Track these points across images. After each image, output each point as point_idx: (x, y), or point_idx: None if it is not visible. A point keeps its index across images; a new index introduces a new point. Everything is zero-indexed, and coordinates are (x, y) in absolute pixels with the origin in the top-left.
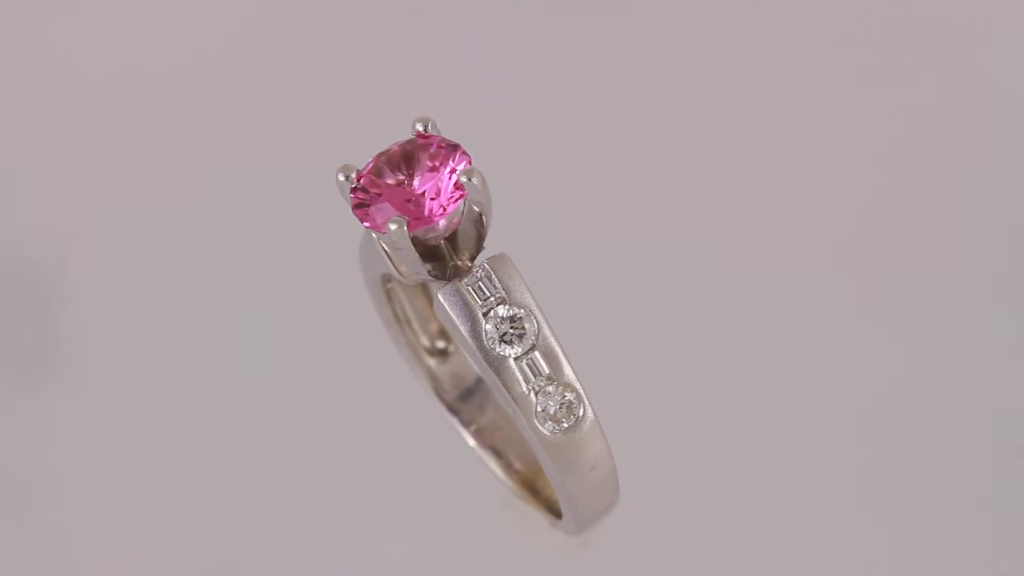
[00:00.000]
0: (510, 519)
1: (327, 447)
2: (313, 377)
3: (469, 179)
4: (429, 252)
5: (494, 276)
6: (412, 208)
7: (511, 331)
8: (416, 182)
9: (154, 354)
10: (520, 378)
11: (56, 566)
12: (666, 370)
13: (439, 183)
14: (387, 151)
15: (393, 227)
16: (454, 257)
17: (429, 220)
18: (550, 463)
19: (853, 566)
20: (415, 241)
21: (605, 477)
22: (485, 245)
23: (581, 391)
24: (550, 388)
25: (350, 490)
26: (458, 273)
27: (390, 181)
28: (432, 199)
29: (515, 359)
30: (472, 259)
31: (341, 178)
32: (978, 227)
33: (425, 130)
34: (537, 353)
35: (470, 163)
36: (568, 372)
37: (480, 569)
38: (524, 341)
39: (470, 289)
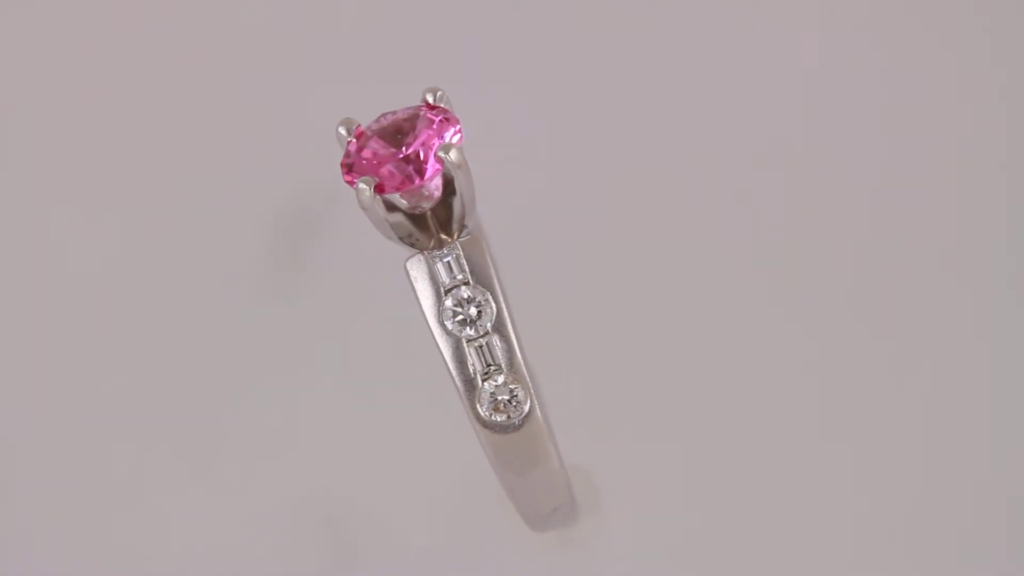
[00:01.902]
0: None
1: (329, 442)
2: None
3: (446, 154)
4: (417, 222)
5: (464, 256)
6: (390, 172)
7: (470, 313)
8: (403, 148)
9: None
10: (470, 361)
11: None
12: (657, 372)
13: (424, 153)
14: (389, 113)
15: (361, 187)
16: (438, 231)
17: (401, 187)
18: (492, 455)
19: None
20: (396, 208)
21: (549, 475)
22: (468, 224)
23: (530, 385)
24: (499, 377)
25: (347, 487)
26: (439, 247)
27: (381, 142)
28: (412, 167)
29: (468, 340)
30: (457, 237)
31: (342, 131)
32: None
33: (434, 100)
34: (492, 339)
35: (460, 139)
36: (519, 364)
37: (478, 568)
38: (480, 325)
39: (439, 264)
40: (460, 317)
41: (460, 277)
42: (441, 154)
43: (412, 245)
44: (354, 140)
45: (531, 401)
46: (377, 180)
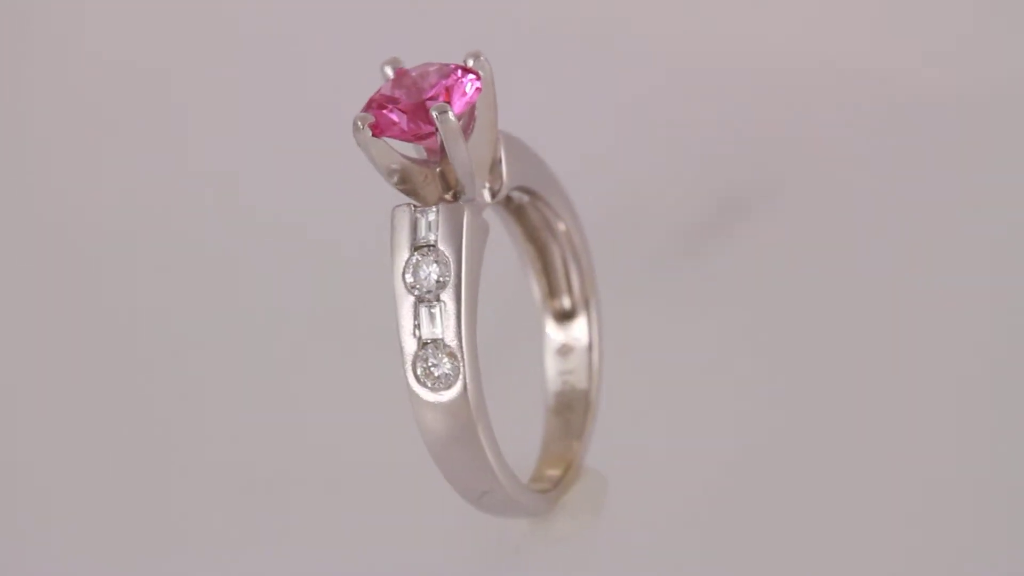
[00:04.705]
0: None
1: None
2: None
3: (437, 115)
4: (427, 175)
5: (442, 219)
6: (399, 118)
7: (430, 274)
8: (419, 99)
9: None
10: (416, 321)
11: None
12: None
13: (425, 110)
14: (427, 63)
15: (357, 123)
16: (445, 189)
17: (408, 135)
18: (417, 420)
19: None
20: (412, 161)
21: (473, 456)
22: (466, 191)
23: (466, 361)
24: (438, 344)
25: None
26: (435, 204)
27: (407, 88)
28: (420, 119)
29: (420, 300)
30: (455, 198)
31: (387, 70)
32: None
33: (473, 64)
34: (444, 306)
35: (462, 107)
36: (464, 338)
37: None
38: (436, 289)
39: (419, 219)
40: (420, 276)
41: (432, 238)
42: (433, 113)
43: (408, 194)
44: (391, 80)
45: (463, 376)
46: (372, 118)
